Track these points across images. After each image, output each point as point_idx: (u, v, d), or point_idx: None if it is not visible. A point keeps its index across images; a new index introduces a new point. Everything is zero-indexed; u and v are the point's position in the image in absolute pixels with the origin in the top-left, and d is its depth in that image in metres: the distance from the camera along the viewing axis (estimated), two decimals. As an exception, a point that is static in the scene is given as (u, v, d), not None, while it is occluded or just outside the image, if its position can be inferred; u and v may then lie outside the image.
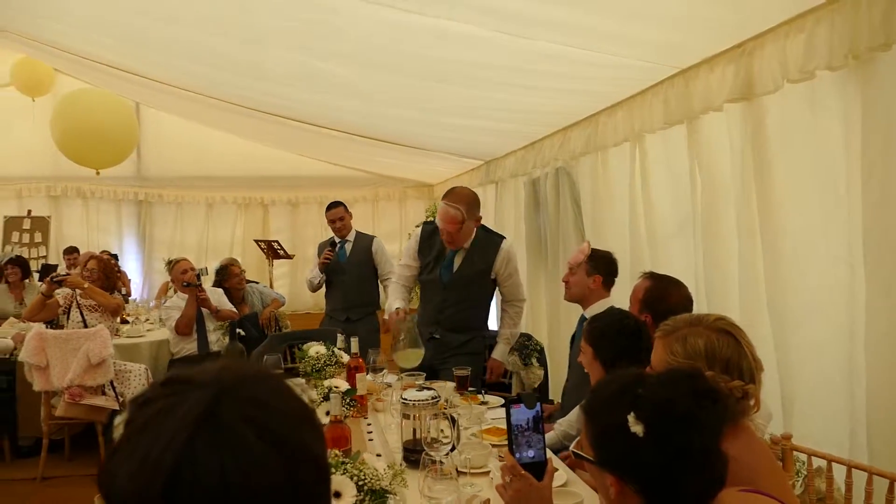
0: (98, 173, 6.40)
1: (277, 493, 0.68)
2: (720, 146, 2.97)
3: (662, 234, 3.48)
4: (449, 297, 3.62)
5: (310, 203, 9.83)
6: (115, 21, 4.63)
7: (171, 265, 5.09)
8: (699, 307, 3.08)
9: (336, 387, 2.30)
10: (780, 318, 2.55)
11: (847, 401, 2.34)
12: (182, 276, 4.90)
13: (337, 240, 5.09)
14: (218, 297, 5.15)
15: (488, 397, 3.02)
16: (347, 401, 2.29)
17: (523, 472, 1.54)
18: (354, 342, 2.74)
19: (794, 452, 1.99)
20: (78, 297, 4.63)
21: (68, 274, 4.70)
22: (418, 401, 2.12)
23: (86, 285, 4.60)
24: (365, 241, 5.16)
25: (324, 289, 5.21)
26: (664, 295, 2.56)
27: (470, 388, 3.04)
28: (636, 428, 1.14)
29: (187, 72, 5.60)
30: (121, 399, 4.33)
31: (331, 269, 5.01)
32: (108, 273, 4.77)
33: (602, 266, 3.23)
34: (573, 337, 3.48)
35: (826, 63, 2.28)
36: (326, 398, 2.29)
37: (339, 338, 3.09)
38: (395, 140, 6.56)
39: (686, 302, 2.59)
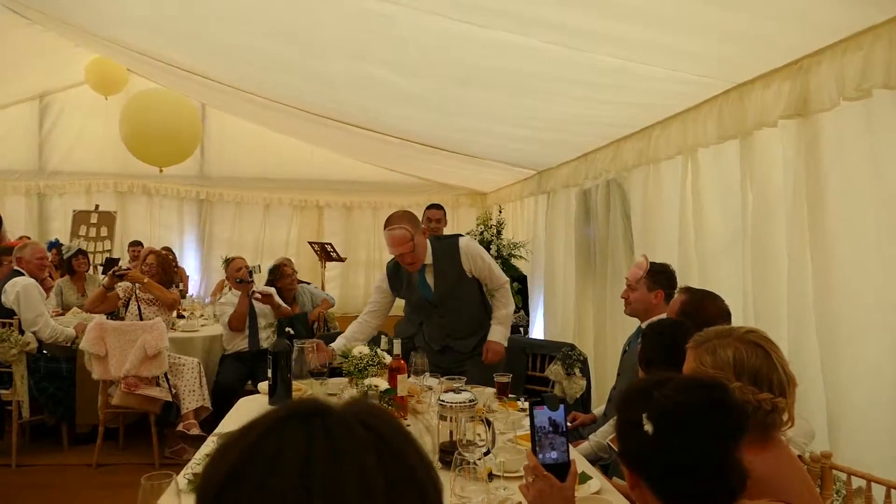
0: (161, 171, 6.65)
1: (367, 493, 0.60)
2: (773, 163, 2.93)
3: (712, 249, 3.44)
4: (443, 312, 3.69)
5: (363, 207, 9.99)
6: (186, 26, 4.82)
7: (227, 263, 5.26)
8: (747, 324, 3.04)
9: (375, 385, 2.36)
10: (829, 337, 2.50)
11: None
12: (237, 274, 5.06)
13: None
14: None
15: (527, 404, 3.03)
16: (386, 400, 2.34)
17: (545, 472, 1.56)
18: (397, 344, 2.79)
19: (834, 471, 1.95)
20: (137, 291, 4.82)
21: (129, 269, 4.89)
22: (455, 402, 2.16)
23: (145, 280, 4.78)
24: None
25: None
26: (701, 307, 2.55)
27: (510, 395, 3.07)
28: (647, 427, 1.20)
29: (252, 76, 5.79)
30: (174, 391, 4.48)
31: None
32: (165, 268, 4.95)
33: (663, 280, 3.23)
34: (626, 347, 3.48)
35: (883, 81, 2.24)
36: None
37: (383, 339, 3.15)
38: (450, 147, 6.63)
39: (723, 314, 2.58)
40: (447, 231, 5.42)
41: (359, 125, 6.35)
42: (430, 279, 3.65)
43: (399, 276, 3.73)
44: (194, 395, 4.51)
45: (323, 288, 7.72)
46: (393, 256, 3.62)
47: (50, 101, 9.36)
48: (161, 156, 6.33)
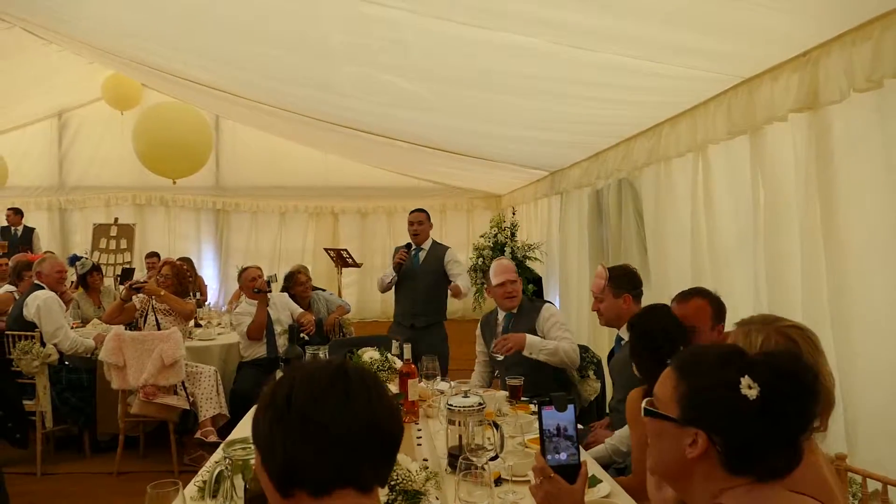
0: (174, 182, 6.74)
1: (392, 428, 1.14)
2: (784, 158, 2.88)
3: (724, 247, 3.40)
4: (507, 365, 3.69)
5: (378, 213, 10.02)
6: (196, 40, 4.87)
7: (240, 273, 5.28)
8: (760, 323, 3.00)
9: (384, 391, 2.35)
10: (844, 336, 2.45)
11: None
12: (251, 284, 5.06)
13: (413, 245, 5.17)
14: (286, 301, 5.30)
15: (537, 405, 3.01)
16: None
17: (552, 474, 1.54)
18: (407, 349, 2.79)
19: (849, 473, 1.91)
20: (153, 302, 4.86)
21: (146, 282, 4.92)
22: (464, 407, 2.15)
23: (162, 292, 4.81)
24: (439, 250, 5.20)
25: (393, 294, 5.28)
26: (719, 300, 2.54)
27: (523, 398, 3.05)
28: (749, 391, 1.15)
29: (262, 86, 5.83)
30: (191, 399, 4.51)
31: (403, 274, 5.05)
32: (180, 278, 4.98)
33: (625, 283, 3.27)
34: (610, 355, 3.46)
35: (894, 71, 2.20)
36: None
37: (394, 344, 3.14)
38: (462, 151, 6.63)
39: None
40: (439, 234, 5.44)
41: (369, 131, 6.38)
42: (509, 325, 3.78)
43: (489, 325, 3.94)
44: (211, 403, 4.53)
45: (339, 294, 7.74)
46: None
47: (68, 118, 9.55)
48: (174, 168, 6.43)
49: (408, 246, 5.11)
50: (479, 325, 4.07)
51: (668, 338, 2.26)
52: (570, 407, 1.61)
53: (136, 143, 6.42)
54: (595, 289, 3.31)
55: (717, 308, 2.57)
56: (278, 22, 3.95)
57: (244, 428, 2.78)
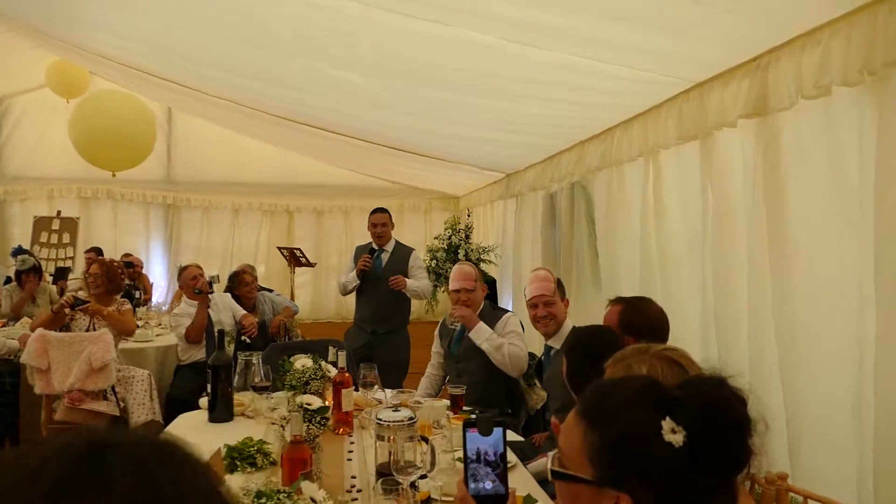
0: (114, 175, 6.45)
1: None
2: (733, 164, 2.84)
3: (673, 253, 3.35)
4: (462, 371, 3.64)
5: (335, 212, 9.84)
6: (148, 30, 4.68)
7: (180, 272, 5.05)
8: (707, 331, 2.96)
9: (308, 404, 2.20)
10: (788, 347, 2.40)
11: (856, 438, 2.18)
12: (191, 283, 4.83)
13: (375, 247, 5.00)
14: (228, 302, 5.08)
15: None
16: (318, 419, 2.19)
17: None
18: (342, 356, 2.66)
19: (790, 494, 1.85)
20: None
21: (88, 301, 4.56)
22: (393, 421, 2.02)
23: (105, 312, 4.50)
24: (404, 252, 5.05)
25: (353, 296, 5.12)
26: (639, 312, 2.46)
27: (465, 408, 2.93)
28: (673, 437, 0.95)
29: (213, 77, 5.63)
30: (122, 405, 4.28)
31: (366, 276, 4.90)
32: (111, 276, 4.68)
33: (562, 288, 3.24)
34: (540, 367, 3.40)
35: (841, 78, 2.15)
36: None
37: (331, 351, 3.00)
38: (418, 150, 6.52)
39: (661, 315, 2.50)
40: (396, 235, 5.25)
41: (324, 128, 6.22)
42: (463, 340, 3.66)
43: (446, 327, 3.79)
44: (144, 409, 4.30)
45: (292, 294, 7.54)
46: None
47: (10, 104, 9.14)
48: (112, 159, 6.14)
49: (371, 250, 4.95)
50: (439, 325, 3.95)
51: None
52: (498, 430, 1.42)
53: (72, 131, 6.12)
54: (548, 291, 3.23)
55: (625, 321, 2.49)
56: (223, 8, 3.79)
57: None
